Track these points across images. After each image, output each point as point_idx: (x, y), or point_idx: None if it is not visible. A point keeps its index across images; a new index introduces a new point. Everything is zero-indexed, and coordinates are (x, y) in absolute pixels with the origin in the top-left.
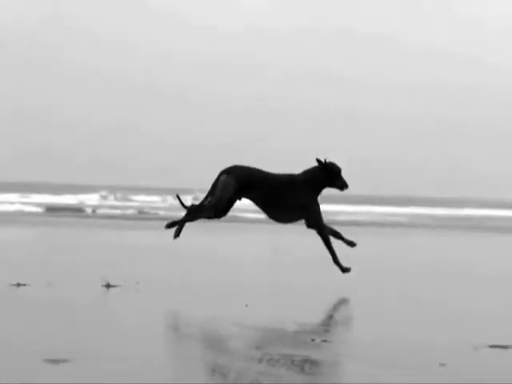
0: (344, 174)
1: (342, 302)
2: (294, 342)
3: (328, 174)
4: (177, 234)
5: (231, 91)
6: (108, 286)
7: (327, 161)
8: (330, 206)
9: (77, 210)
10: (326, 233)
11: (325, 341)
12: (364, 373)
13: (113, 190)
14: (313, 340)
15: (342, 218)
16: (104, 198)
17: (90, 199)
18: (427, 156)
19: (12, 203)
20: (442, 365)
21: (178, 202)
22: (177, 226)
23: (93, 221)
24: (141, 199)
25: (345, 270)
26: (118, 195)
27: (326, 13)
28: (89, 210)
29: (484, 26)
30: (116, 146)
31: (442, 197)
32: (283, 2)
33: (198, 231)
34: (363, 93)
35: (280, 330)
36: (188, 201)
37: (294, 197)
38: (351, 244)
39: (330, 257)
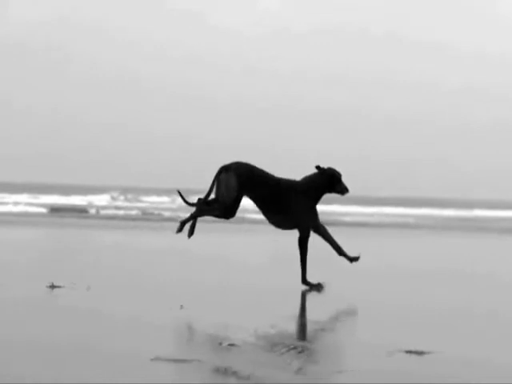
0: (348, 178)
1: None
2: (203, 345)
3: (328, 180)
4: (191, 233)
5: (247, 92)
6: (52, 286)
7: (327, 167)
8: (338, 206)
9: (80, 211)
10: (321, 231)
11: (232, 344)
12: (266, 376)
13: (124, 190)
14: (220, 344)
15: (348, 218)
16: (114, 198)
17: (99, 200)
18: (439, 157)
19: (15, 204)
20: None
21: (181, 199)
22: (187, 224)
23: (92, 222)
24: (150, 200)
25: (352, 259)
26: (129, 196)
27: (341, 13)
28: (93, 211)
29: None
30: (129, 147)
31: (452, 198)
32: (300, 2)
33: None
34: (378, 92)
35: (194, 334)
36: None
37: (291, 204)
38: (354, 259)
39: (335, 251)
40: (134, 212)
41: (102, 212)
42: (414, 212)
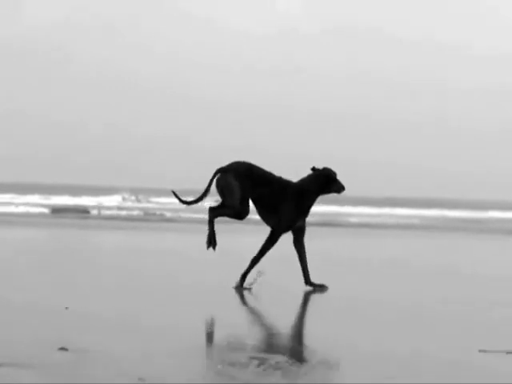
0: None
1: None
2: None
3: (324, 181)
4: (214, 244)
5: (262, 94)
6: None
7: (322, 167)
8: (343, 208)
9: (82, 212)
10: (298, 246)
11: None
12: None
13: (135, 191)
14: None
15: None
16: (125, 199)
17: (109, 201)
18: (451, 158)
19: (24, 204)
20: None
21: (176, 199)
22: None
23: (91, 222)
24: (161, 201)
25: (317, 287)
26: (140, 197)
27: (358, 12)
28: (95, 212)
29: None
30: (143, 147)
31: (467, 199)
32: (316, 3)
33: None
34: (396, 94)
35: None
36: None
37: (283, 203)
38: (320, 288)
39: (303, 277)
40: (135, 213)
41: (106, 213)
42: (430, 213)
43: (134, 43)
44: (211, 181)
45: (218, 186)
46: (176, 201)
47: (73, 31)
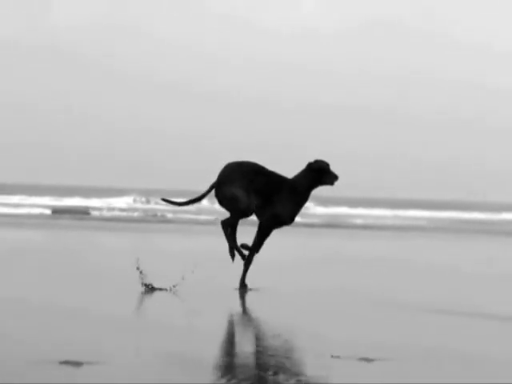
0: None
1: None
2: None
3: (317, 174)
4: (234, 255)
5: (285, 92)
6: None
7: (313, 160)
8: (348, 209)
9: (83, 213)
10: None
11: None
12: None
13: (149, 193)
14: None
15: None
16: (136, 201)
17: (118, 202)
18: (463, 159)
19: (18, 205)
20: None
21: (169, 203)
22: (235, 249)
23: (87, 224)
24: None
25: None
26: (151, 198)
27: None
28: (95, 213)
29: None
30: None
31: (479, 201)
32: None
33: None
34: (413, 91)
35: None
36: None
37: (277, 197)
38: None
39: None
40: (136, 214)
41: (106, 214)
42: (442, 215)
43: (159, 40)
44: (208, 192)
45: (216, 198)
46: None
47: (106, 31)
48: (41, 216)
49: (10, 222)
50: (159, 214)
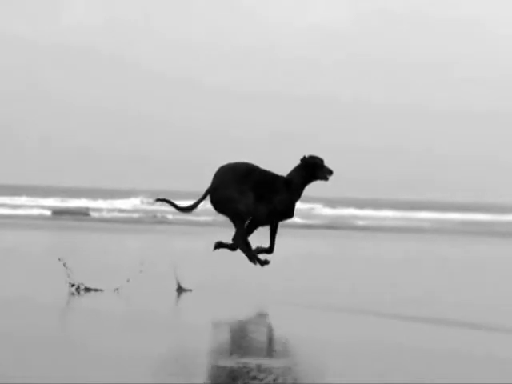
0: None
1: None
2: None
3: (310, 170)
4: (256, 260)
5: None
6: None
7: (307, 156)
8: (352, 210)
9: (83, 214)
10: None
11: None
12: None
13: (155, 195)
14: None
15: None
16: (143, 202)
17: (124, 203)
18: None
19: (26, 206)
20: None
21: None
22: (256, 251)
23: (84, 224)
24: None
25: (263, 263)
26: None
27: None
28: (95, 214)
29: None
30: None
31: (484, 202)
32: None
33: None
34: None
35: None
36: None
37: (275, 195)
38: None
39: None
40: (135, 215)
41: (106, 215)
42: (448, 217)
43: (171, 40)
44: (203, 198)
45: (212, 203)
46: (190, 203)
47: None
48: (40, 217)
49: (11, 223)
50: (159, 215)
